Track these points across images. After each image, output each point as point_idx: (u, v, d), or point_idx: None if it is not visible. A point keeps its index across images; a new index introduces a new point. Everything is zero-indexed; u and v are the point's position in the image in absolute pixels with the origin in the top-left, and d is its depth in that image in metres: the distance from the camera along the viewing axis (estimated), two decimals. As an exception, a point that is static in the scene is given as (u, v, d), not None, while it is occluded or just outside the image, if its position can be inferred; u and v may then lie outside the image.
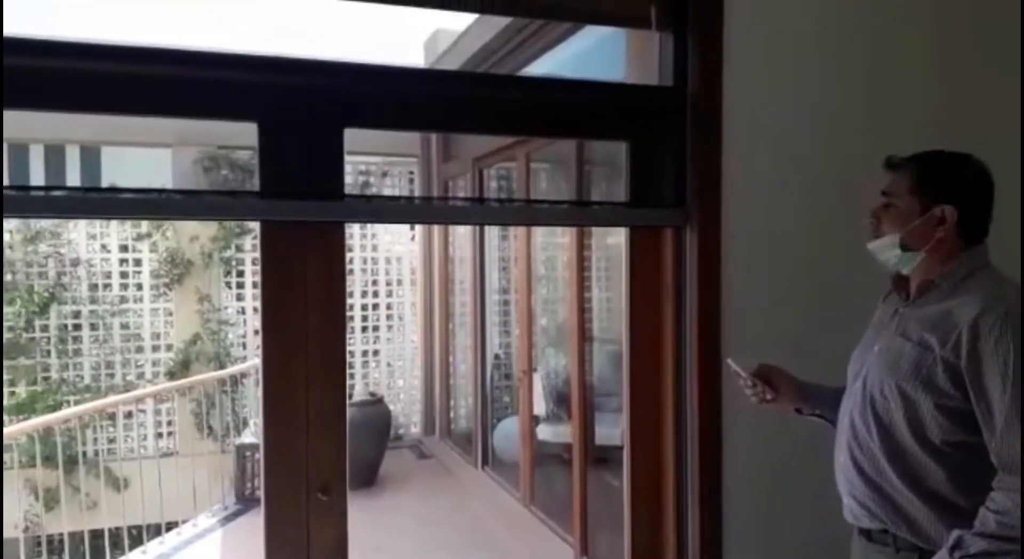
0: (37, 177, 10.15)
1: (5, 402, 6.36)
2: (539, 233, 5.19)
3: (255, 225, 6.58)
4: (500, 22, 4.45)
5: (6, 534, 4.43)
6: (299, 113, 1.90)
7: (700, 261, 2.18)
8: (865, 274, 1.74)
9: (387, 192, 7.17)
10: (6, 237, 6.33)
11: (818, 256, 2.28)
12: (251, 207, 1.94)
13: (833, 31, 2.30)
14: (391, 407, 6.26)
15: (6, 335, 6.36)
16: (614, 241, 4.19)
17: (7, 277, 6.39)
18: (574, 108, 2.19)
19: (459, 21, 5.46)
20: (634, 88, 2.38)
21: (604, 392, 4.45)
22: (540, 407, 5.11)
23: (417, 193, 6.97)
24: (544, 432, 4.96)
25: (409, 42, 7.01)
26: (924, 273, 1.57)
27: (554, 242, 5.45)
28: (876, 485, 1.56)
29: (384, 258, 7.18)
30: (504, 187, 5.91)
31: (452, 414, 6.63)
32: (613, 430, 4.20)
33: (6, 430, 4.93)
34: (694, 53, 2.18)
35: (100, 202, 1.90)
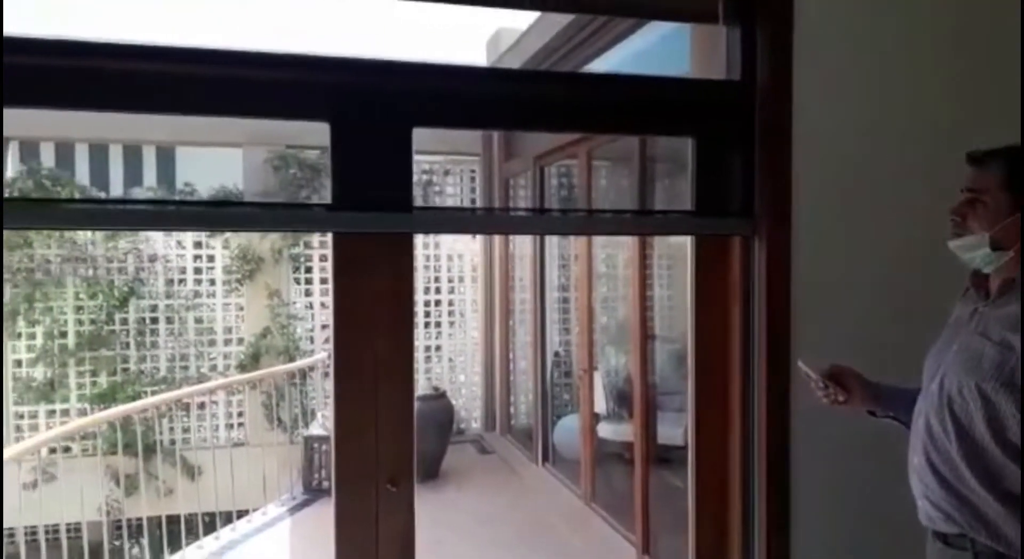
0: (116, 177, 10.64)
1: (88, 391, 6.67)
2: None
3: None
4: (562, 20, 4.45)
5: (89, 517, 4.64)
6: (369, 113, 1.95)
7: (769, 267, 2.14)
8: (940, 276, 1.70)
9: (449, 190, 7.26)
10: (88, 234, 6.64)
11: (892, 257, 2.21)
12: (322, 219, 2.00)
13: (910, 21, 2.21)
14: (453, 402, 6.35)
15: (89, 327, 6.67)
16: (676, 240, 4.15)
17: (89, 272, 6.69)
18: (640, 104, 2.19)
19: (521, 20, 5.49)
20: (700, 83, 2.36)
21: (665, 391, 4.42)
22: (600, 405, 5.10)
23: (478, 192, 7.04)
24: (604, 430, 4.95)
25: (471, 42, 7.07)
26: (1007, 271, 1.51)
27: (615, 240, 5.42)
28: (953, 488, 1.52)
29: (447, 255, 7.27)
30: (565, 185, 5.91)
31: (512, 410, 6.67)
32: (674, 429, 4.17)
33: (90, 417, 5.19)
34: (763, 47, 2.15)
35: (174, 214, 2.01)
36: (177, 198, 6.99)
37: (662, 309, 4.70)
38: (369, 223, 1.95)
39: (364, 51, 1.96)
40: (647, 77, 2.31)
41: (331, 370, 2.00)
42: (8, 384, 6.37)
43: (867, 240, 2.21)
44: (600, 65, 4.22)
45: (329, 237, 2.00)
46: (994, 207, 1.48)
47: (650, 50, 3.53)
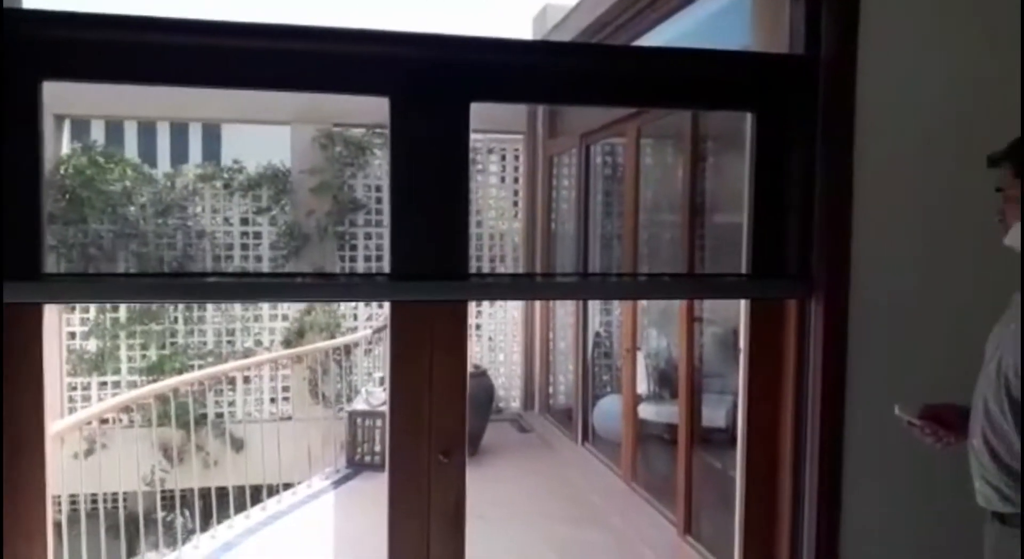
0: (163, 153, 10.83)
1: (138, 364, 6.85)
2: (643, 211, 5.10)
3: (368, 200, 6.74)
4: (613, -6, 4.38)
5: (142, 487, 4.77)
6: (428, 87, 1.95)
7: (826, 336, 2.13)
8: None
9: (492, 169, 7.25)
10: (137, 210, 6.79)
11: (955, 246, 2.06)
12: (382, 288, 2.11)
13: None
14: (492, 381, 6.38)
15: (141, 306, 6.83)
16: (723, 219, 4.08)
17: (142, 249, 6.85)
18: (697, 78, 2.16)
19: (569, -6, 5.42)
20: (760, 56, 2.31)
21: (708, 373, 4.38)
22: (642, 386, 5.08)
23: (522, 170, 7.02)
24: (645, 411, 4.93)
25: (516, 18, 7.01)
26: None
27: (659, 219, 5.36)
28: (1010, 469, 1.52)
29: (488, 234, 7.27)
30: (610, 163, 5.86)
31: (551, 390, 6.68)
32: (716, 411, 4.15)
33: (140, 390, 5.31)
34: (828, 18, 2.09)
35: (239, 287, 2.19)
36: (225, 175, 7.06)
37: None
38: (425, 291, 1.99)
39: (412, 28, 1.95)
40: (703, 50, 2.29)
41: (387, 343, 2.03)
42: (63, 356, 6.56)
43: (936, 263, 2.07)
44: (653, 39, 4.14)
45: (386, 223, 2.02)
46: (1017, 198, 1.54)
47: (707, 23, 3.46)
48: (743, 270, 2.22)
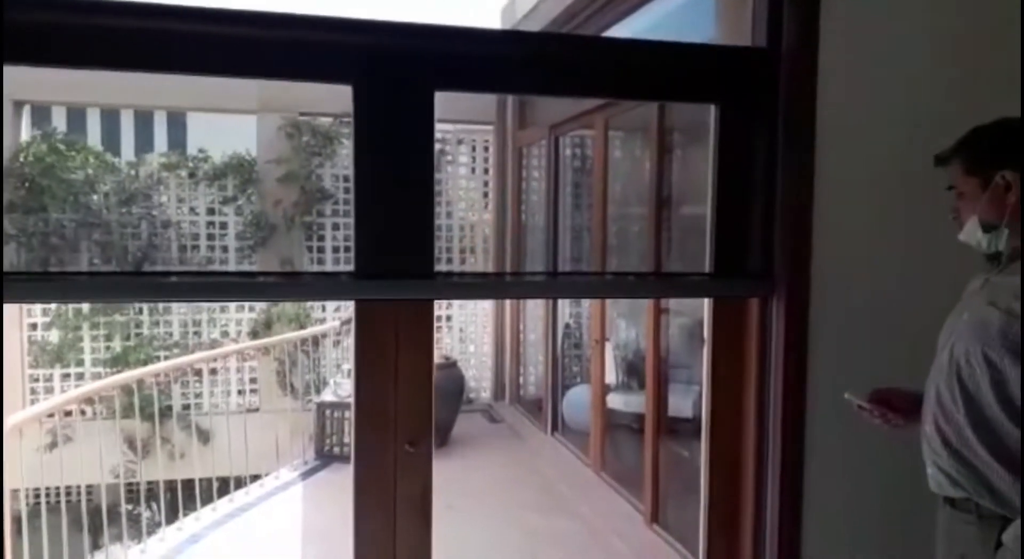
0: (128, 142, 10.63)
1: (102, 356, 6.74)
2: (612, 203, 5.12)
3: (336, 190, 6.65)
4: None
5: (107, 480, 4.71)
6: (392, 75, 1.94)
7: (787, 333, 2.15)
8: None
9: (462, 160, 7.23)
10: (101, 199, 6.67)
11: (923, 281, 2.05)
12: (347, 287, 2.06)
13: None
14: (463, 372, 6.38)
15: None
16: (689, 210, 4.11)
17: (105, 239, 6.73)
18: (662, 70, 2.17)
19: (538, -14, 5.40)
20: (723, 49, 2.34)
21: (675, 364, 4.43)
22: (610, 376, 5.12)
23: (491, 162, 7.01)
24: (614, 401, 4.97)
25: (484, 9, 6.96)
26: (1013, 241, 1.54)
27: (628, 212, 5.39)
28: (960, 455, 1.55)
29: (458, 225, 7.25)
30: (579, 155, 5.87)
31: (521, 380, 6.71)
32: (683, 401, 4.20)
33: (103, 381, 5.23)
34: (789, 10, 2.12)
35: (202, 286, 2.11)
36: (190, 164, 6.96)
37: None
38: (392, 290, 1.99)
39: (378, 17, 1.94)
40: (669, 43, 2.29)
41: (353, 333, 2.02)
42: (24, 347, 6.43)
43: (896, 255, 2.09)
44: (621, 30, 4.16)
45: (352, 203, 2.01)
46: (970, 192, 1.57)
47: (674, 15, 3.48)
48: (706, 268, 2.24)
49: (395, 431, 1.99)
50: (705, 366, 2.29)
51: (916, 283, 2.06)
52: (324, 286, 2.26)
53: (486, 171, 7.21)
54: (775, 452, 2.19)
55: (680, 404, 4.20)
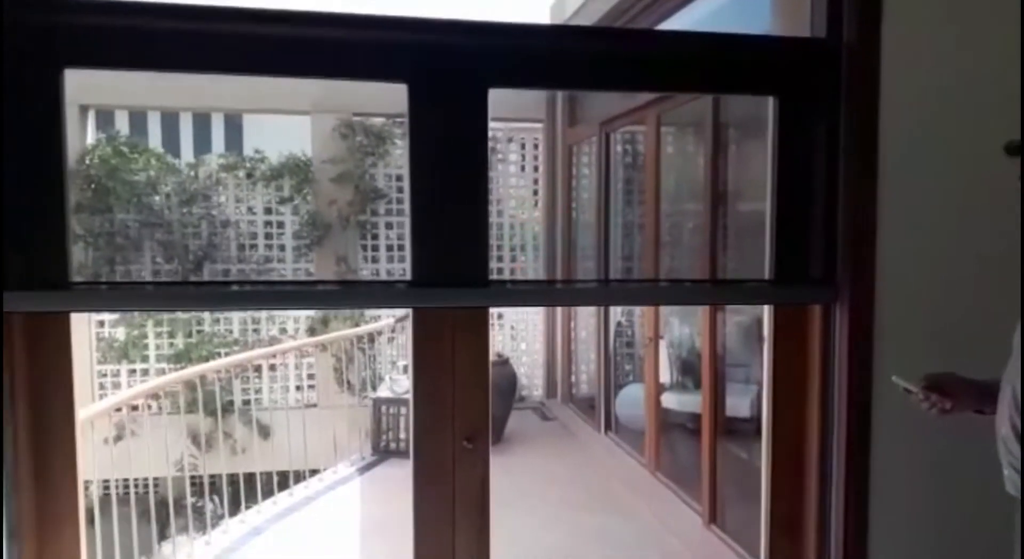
0: (187, 144, 10.93)
1: (166, 352, 6.95)
2: (665, 200, 5.07)
3: (389, 190, 6.76)
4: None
5: (170, 472, 4.86)
6: (446, 73, 1.94)
7: (851, 339, 2.09)
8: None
9: (512, 158, 7.25)
10: (163, 200, 6.87)
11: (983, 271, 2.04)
12: (403, 296, 2.07)
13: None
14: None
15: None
16: (745, 207, 4.05)
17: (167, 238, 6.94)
18: (718, 62, 2.13)
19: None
20: (780, 40, 2.29)
21: (732, 363, 4.36)
22: (664, 375, 5.07)
23: (541, 159, 7.00)
24: (669, 400, 4.92)
25: (533, 7, 6.95)
26: None
27: (681, 209, 5.32)
28: None
29: (508, 224, 7.27)
30: (630, 152, 5.83)
31: (573, 379, 6.69)
32: (740, 401, 4.13)
33: (166, 377, 5.39)
34: (850, 2, 2.06)
35: (262, 295, 2.17)
36: (247, 165, 7.13)
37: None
38: (447, 298, 1.99)
39: (424, 15, 1.95)
40: (725, 34, 2.25)
41: (410, 334, 2.04)
42: (92, 344, 6.67)
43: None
44: (673, 24, 4.11)
45: (407, 221, 2.03)
46: None
47: (727, 8, 3.42)
48: (766, 274, 2.19)
49: (453, 427, 2.00)
50: (766, 370, 2.24)
51: (986, 286, 2.00)
52: (382, 295, 2.27)
53: (536, 169, 7.21)
54: (840, 455, 2.13)
55: (737, 404, 4.14)
